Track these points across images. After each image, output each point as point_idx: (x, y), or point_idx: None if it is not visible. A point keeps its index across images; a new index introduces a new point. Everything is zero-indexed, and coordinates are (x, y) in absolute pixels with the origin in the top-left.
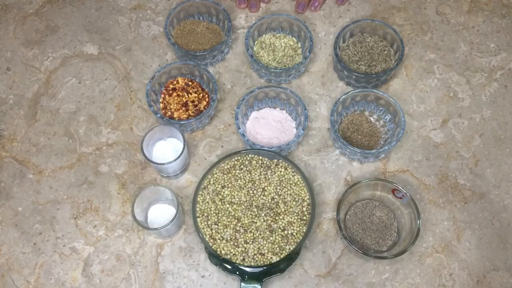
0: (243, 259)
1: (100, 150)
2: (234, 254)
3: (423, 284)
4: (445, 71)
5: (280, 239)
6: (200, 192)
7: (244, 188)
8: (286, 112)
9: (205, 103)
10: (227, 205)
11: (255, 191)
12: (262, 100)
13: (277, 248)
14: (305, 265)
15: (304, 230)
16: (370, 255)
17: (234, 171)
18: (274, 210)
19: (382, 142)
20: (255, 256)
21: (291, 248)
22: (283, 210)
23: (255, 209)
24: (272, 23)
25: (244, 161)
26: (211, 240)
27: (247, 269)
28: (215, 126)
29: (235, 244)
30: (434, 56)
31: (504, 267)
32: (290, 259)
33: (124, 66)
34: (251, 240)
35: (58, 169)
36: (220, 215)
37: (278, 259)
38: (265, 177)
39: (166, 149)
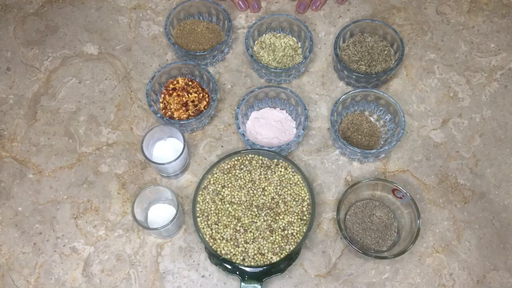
0: (243, 259)
1: (100, 150)
2: (234, 254)
3: (423, 284)
4: (445, 71)
5: (280, 239)
6: (200, 192)
7: (244, 188)
8: (286, 112)
9: (205, 103)
10: (227, 205)
11: (255, 191)
12: (262, 100)
13: (277, 248)
14: (305, 265)
15: (304, 230)
16: (370, 255)
17: (234, 171)
18: (274, 210)
19: (382, 142)
20: (255, 256)
21: (291, 248)
22: (283, 210)
23: (255, 209)
24: (272, 23)
25: (244, 161)
26: (211, 240)
27: (247, 269)
28: (215, 126)
29: (235, 244)
30: (434, 56)
31: (504, 267)
32: (290, 259)
33: (124, 66)
34: (251, 240)
35: (58, 169)
36: (220, 215)
37: (278, 259)
38: (265, 177)
39: (166, 149)
